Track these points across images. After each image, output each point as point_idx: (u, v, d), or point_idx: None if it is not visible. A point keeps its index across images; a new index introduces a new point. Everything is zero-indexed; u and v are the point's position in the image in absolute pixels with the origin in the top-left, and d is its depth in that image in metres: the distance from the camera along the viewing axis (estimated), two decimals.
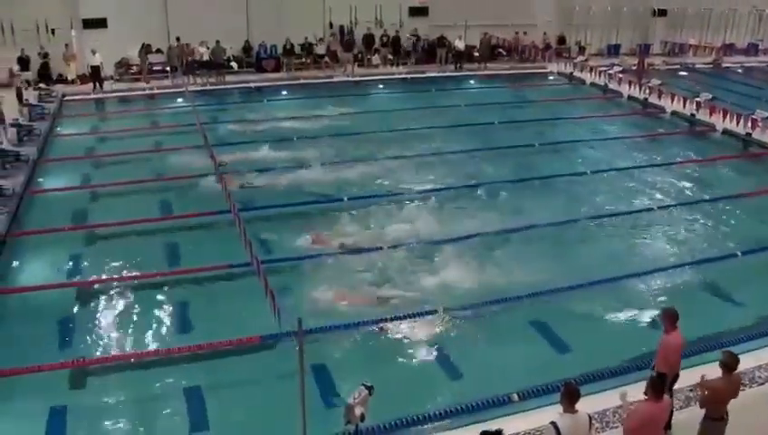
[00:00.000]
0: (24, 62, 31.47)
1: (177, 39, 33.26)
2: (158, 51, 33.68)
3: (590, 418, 8.08)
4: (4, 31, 31.61)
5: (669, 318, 9.43)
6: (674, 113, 28.27)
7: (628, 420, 8.23)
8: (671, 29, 42.67)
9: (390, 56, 37.27)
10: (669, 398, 8.75)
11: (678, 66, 38.72)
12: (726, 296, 14.22)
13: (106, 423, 10.51)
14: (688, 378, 10.02)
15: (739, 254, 15.75)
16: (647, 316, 13.16)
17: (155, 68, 33.43)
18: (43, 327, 13.01)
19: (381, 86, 34.35)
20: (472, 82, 35.86)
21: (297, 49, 35.83)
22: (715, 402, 8.71)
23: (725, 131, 25.64)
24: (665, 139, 26.04)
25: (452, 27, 36.47)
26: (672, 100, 28.61)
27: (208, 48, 33.58)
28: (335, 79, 34.31)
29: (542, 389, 10.64)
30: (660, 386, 8.14)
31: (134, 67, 33.71)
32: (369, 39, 37.39)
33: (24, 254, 16.09)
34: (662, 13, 42.00)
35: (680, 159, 23.10)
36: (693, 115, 27.25)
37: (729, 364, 8.67)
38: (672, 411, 9.12)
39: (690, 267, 15.27)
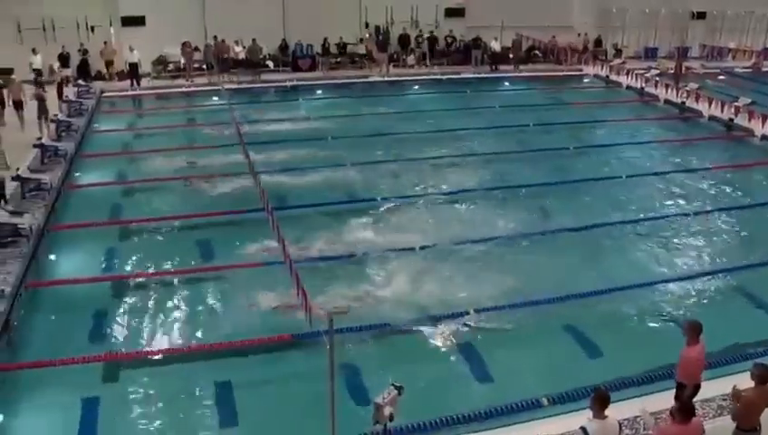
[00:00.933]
0: (64, 59, 31.94)
1: (215, 38, 33.53)
2: (196, 49, 34.02)
3: (620, 425, 8.03)
4: (46, 28, 32.15)
5: (693, 330, 9.31)
6: (711, 118, 27.90)
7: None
8: (710, 32, 42.14)
9: (425, 57, 37.23)
10: (700, 420, 8.58)
11: (717, 70, 38.19)
12: (763, 304, 14.00)
13: (137, 416, 10.65)
14: (721, 387, 9.91)
15: None
16: (680, 323, 12.98)
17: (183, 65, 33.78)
18: (77, 320, 13.19)
19: (416, 87, 34.40)
20: (507, 83, 35.73)
21: (333, 49, 35.99)
22: (748, 413, 8.59)
23: (765, 137, 25.23)
24: (701, 143, 25.69)
25: (488, 28, 36.37)
26: (710, 104, 28.24)
27: (244, 47, 33.86)
28: (370, 79, 34.37)
29: (572, 394, 10.57)
30: (689, 409, 8.01)
31: (171, 65, 34.07)
32: (404, 39, 37.42)
33: (60, 247, 16.35)
34: (701, 15, 41.49)
35: (717, 165, 22.75)
36: (731, 120, 26.88)
37: (762, 376, 8.51)
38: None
39: (725, 274, 15.07)
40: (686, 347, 9.40)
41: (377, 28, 37.27)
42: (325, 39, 35.50)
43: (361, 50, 36.50)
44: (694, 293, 14.27)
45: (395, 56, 36.70)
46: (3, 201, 17.20)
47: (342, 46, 36.35)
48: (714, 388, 10.04)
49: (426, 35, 37.53)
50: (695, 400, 9.26)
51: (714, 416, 9.92)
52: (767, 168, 22.72)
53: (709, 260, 15.91)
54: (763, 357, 10.96)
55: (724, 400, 10.12)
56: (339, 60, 36.04)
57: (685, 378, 9.43)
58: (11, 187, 18.05)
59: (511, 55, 37.34)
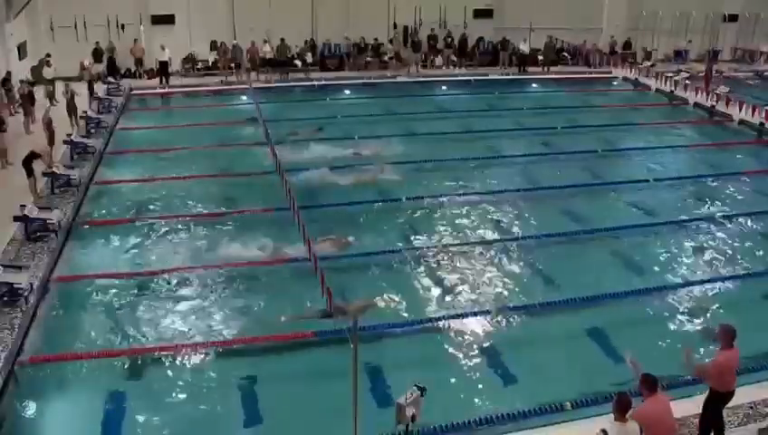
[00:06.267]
0: (97, 55, 32.30)
1: (253, 43, 33.74)
2: (225, 49, 34.22)
3: (641, 429, 7.97)
4: (77, 26, 32.49)
5: (726, 335, 9.14)
6: (742, 122, 27.57)
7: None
8: (742, 35, 41.62)
9: (454, 57, 37.19)
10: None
11: (749, 73, 37.75)
12: None
13: (161, 411, 10.74)
14: (748, 395, 9.80)
15: None
16: (707, 327, 12.85)
17: (218, 64, 34.00)
18: (104, 314, 13.34)
19: (444, 87, 34.31)
20: (535, 85, 35.57)
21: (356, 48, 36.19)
22: None
23: None
24: (731, 148, 25.43)
25: (517, 30, 36.26)
26: (740, 108, 27.90)
27: (272, 47, 34.02)
28: (398, 79, 34.37)
29: (595, 398, 10.51)
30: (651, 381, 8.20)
31: (200, 63, 34.32)
32: (432, 40, 37.40)
33: (87, 242, 16.48)
34: (733, 18, 40.96)
35: (747, 169, 22.49)
36: (762, 124, 26.50)
37: None
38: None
39: (754, 280, 14.92)
40: (718, 352, 9.21)
41: (405, 28, 37.27)
42: (362, 38, 35.84)
43: (390, 51, 36.48)
44: (722, 297, 14.11)
45: (423, 57, 36.66)
46: None
47: (373, 47, 36.43)
48: (741, 395, 9.91)
49: (457, 37, 37.49)
50: (729, 406, 9.21)
51: (739, 424, 9.81)
52: None
53: (738, 265, 15.73)
54: None
55: (751, 408, 10.04)
56: (368, 60, 36.07)
57: (717, 385, 9.23)
58: (42, 181, 18.40)
59: (541, 57, 37.18)
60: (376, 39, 36.51)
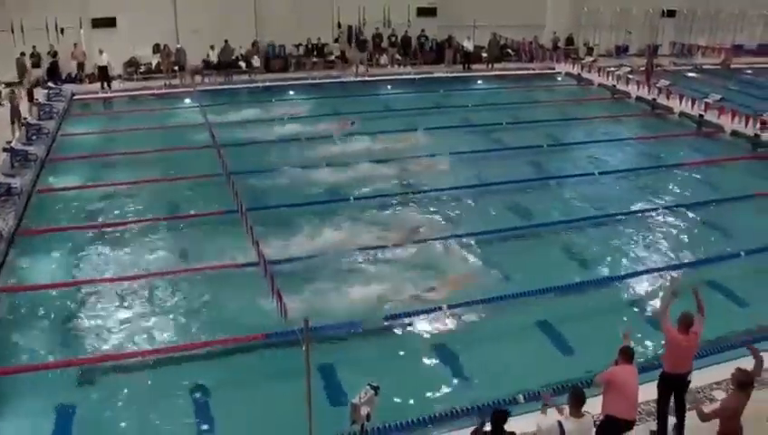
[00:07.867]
0: (35, 60, 31.58)
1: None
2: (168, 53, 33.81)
3: (595, 422, 8.08)
4: (14, 30, 31.69)
5: (679, 320, 9.28)
6: (682, 114, 28.15)
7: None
8: (680, 30, 42.55)
9: (399, 56, 37.27)
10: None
11: (687, 67, 38.59)
12: (732, 297, 14.11)
13: (112, 421, 10.56)
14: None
15: (743, 254, 15.69)
16: (654, 317, 13.04)
17: (161, 67, 33.59)
18: (49, 325, 13.08)
19: (389, 86, 34.31)
20: (480, 82, 35.83)
21: (304, 50, 36.04)
22: (728, 419, 8.35)
23: (734, 132, 25.52)
24: (672, 140, 25.94)
25: (461, 27, 36.50)
26: (680, 101, 28.50)
27: (214, 49, 33.72)
28: (343, 79, 34.33)
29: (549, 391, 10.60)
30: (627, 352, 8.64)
31: (143, 67, 33.84)
32: (377, 39, 37.43)
33: (31, 252, 16.12)
34: (671, 14, 41.86)
35: (687, 160, 23.01)
36: (701, 116, 27.07)
37: (743, 382, 8.32)
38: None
39: (697, 267, 15.23)
40: (674, 335, 9.31)
41: (349, 28, 37.25)
42: (308, 39, 35.86)
43: (335, 50, 36.44)
44: (666, 286, 14.34)
45: (368, 56, 36.67)
46: None
47: (318, 47, 36.33)
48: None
49: (400, 35, 37.59)
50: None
51: (689, 408, 9.95)
52: (737, 163, 22.98)
53: (682, 254, 16.05)
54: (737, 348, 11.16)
55: (699, 392, 10.24)
56: (315, 61, 35.96)
57: (670, 367, 9.45)
58: None
59: (485, 54, 37.46)
60: (319, 39, 36.40)
